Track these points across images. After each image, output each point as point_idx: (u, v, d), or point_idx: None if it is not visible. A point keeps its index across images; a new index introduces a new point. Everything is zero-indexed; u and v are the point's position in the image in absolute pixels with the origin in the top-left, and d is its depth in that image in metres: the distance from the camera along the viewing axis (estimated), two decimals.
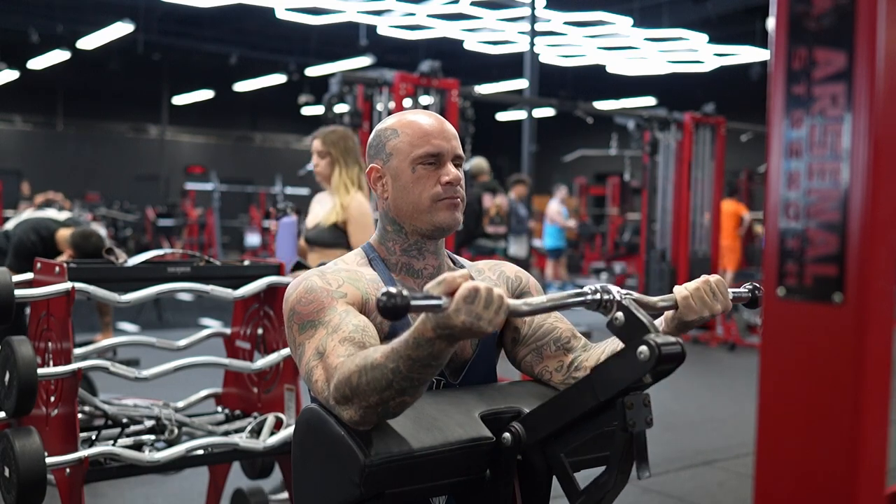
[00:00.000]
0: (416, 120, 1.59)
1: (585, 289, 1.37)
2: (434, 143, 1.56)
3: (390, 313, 1.15)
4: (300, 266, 3.12)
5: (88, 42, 15.64)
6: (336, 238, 3.67)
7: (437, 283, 1.20)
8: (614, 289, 1.36)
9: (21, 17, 14.98)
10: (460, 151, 1.60)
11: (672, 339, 1.28)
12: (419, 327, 1.25)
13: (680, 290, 1.50)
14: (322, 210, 3.85)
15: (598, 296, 1.35)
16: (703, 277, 1.53)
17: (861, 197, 0.84)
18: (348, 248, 3.62)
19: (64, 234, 4.44)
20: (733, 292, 1.55)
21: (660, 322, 1.55)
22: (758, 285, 1.59)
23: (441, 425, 1.41)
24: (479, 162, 8.46)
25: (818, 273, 0.86)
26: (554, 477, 1.49)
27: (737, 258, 11.48)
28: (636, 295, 1.38)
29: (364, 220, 3.74)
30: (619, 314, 1.32)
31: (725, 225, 10.60)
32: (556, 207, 11.17)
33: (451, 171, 1.56)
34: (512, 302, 1.25)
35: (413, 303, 1.16)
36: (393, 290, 1.15)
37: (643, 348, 1.26)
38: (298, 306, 1.48)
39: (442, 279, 1.21)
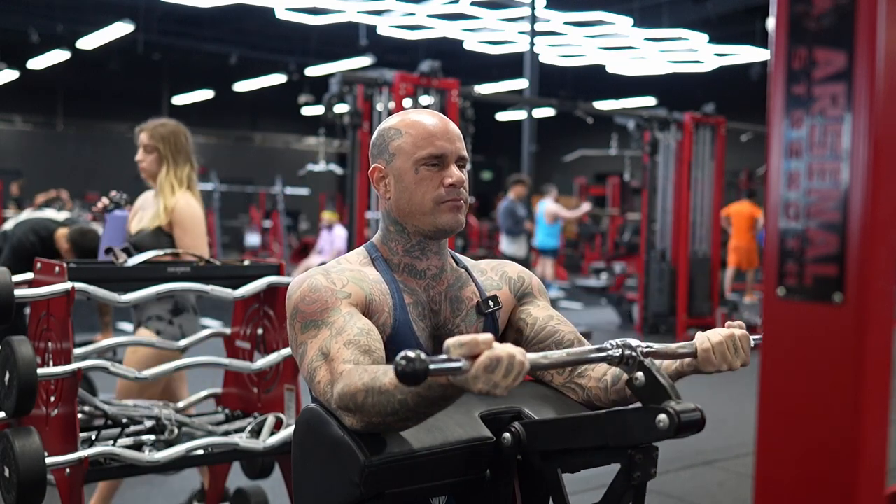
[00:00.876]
0: (420, 120, 1.58)
1: (606, 344, 1.35)
2: (438, 144, 1.55)
3: (409, 379, 1.12)
4: (111, 251, 2.92)
5: (88, 42, 15.64)
6: (159, 243, 3.24)
7: (460, 345, 1.16)
8: (635, 342, 1.35)
9: (21, 17, 14.98)
10: (464, 153, 1.59)
11: (691, 406, 1.27)
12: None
13: (702, 342, 1.47)
14: (146, 213, 3.47)
15: (619, 351, 1.33)
16: (728, 331, 1.49)
17: (861, 197, 0.84)
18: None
19: (63, 233, 4.45)
20: (754, 340, 1.51)
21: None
22: None
23: (441, 425, 1.41)
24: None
25: (818, 273, 0.86)
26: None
27: (754, 258, 11.59)
28: (657, 346, 1.37)
29: (192, 223, 3.36)
30: (640, 375, 1.30)
31: (741, 226, 10.63)
32: (554, 207, 11.17)
33: (455, 173, 1.55)
34: (531, 357, 1.23)
35: (432, 367, 1.13)
36: (411, 354, 1.12)
37: (663, 417, 1.26)
38: (302, 305, 1.47)
39: (466, 341, 1.16)
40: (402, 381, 1.13)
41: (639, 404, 1.31)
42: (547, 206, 11.15)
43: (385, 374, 1.29)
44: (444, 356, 1.16)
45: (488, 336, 1.19)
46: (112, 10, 14.31)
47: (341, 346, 1.39)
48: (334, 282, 1.50)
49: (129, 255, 2.89)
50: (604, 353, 1.33)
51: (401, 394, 1.26)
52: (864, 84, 0.83)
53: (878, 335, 0.85)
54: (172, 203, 3.38)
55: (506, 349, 1.17)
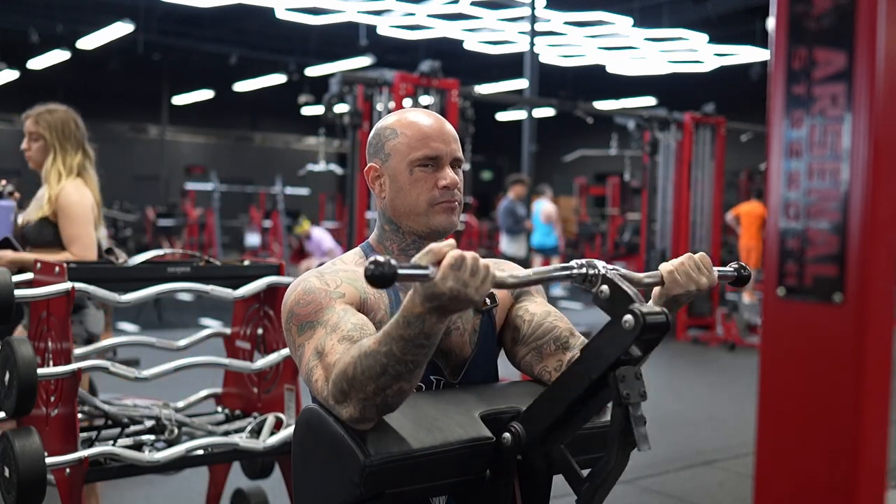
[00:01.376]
0: (416, 121, 1.58)
1: (571, 263, 1.38)
2: (433, 145, 1.55)
3: (378, 281, 1.17)
4: (7, 244, 2.85)
5: (88, 42, 15.64)
6: (46, 235, 3.11)
7: (425, 254, 1.22)
8: (600, 263, 1.37)
9: (21, 17, 14.98)
10: (460, 154, 1.59)
11: (657, 308, 1.29)
12: (408, 305, 1.26)
13: (665, 266, 1.51)
14: (34, 204, 3.28)
15: (583, 270, 1.36)
16: (688, 254, 1.54)
17: (861, 197, 0.84)
18: (62, 245, 3.15)
19: None
20: (719, 270, 1.56)
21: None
22: (744, 265, 1.60)
23: (441, 425, 1.41)
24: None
25: (818, 273, 0.86)
26: (554, 477, 1.49)
27: (759, 257, 11.62)
28: (622, 270, 1.39)
29: (76, 210, 3.18)
30: (605, 287, 1.33)
31: (751, 226, 10.66)
32: (551, 207, 11.17)
33: (449, 175, 1.55)
34: (498, 273, 1.27)
35: (400, 272, 1.18)
36: (381, 258, 1.17)
37: (628, 317, 1.27)
38: (297, 308, 1.48)
39: (428, 249, 1.22)
40: (371, 283, 1.17)
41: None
42: (543, 206, 11.14)
43: (369, 339, 1.32)
44: (410, 263, 1.21)
45: (450, 241, 1.24)
46: (112, 10, 14.31)
47: (335, 342, 1.39)
48: (328, 283, 1.50)
49: (13, 247, 2.84)
50: (569, 272, 1.36)
51: (385, 346, 1.27)
52: (864, 84, 0.83)
53: (878, 335, 0.85)
54: (57, 191, 3.21)
55: (471, 253, 1.22)
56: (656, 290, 1.52)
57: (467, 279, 1.21)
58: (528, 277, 1.34)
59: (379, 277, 1.17)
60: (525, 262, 9.30)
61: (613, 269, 1.36)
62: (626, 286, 1.31)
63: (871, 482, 0.86)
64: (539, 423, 1.40)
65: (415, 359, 1.29)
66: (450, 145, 1.57)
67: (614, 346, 1.29)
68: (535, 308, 1.66)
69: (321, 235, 10.50)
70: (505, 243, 9.61)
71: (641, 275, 1.45)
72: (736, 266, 1.60)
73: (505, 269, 1.74)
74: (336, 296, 1.48)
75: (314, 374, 1.40)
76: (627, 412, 1.30)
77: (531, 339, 1.63)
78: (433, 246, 1.22)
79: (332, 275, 1.53)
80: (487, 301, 1.64)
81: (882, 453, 0.87)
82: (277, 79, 18.88)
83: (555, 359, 1.61)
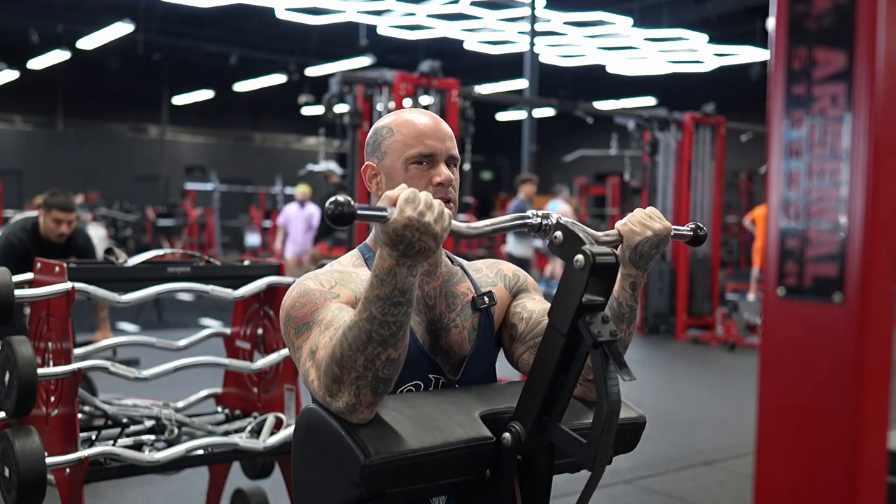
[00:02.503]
0: (411, 119, 1.59)
1: (528, 212, 1.42)
2: (427, 143, 1.56)
3: (338, 220, 1.21)
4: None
5: (88, 42, 15.64)
6: None
7: (380, 200, 1.27)
8: (555, 214, 1.41)
9: (21, 17, 14.99)
10: (455, 152, 1.60)
11: (606, 249, 1.33)
12: (378, 262, 1.29)
13: (618, 223, 1.56)
14: None
15: (538, 220, 1.40)
16: (637, 209, 1.58)
17: (861, 197, 0.84)
18: None
19: (38, 209, 4.52)
20: (675, 228, 1.59)
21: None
22: (700, 224, 1.64)
23: (441, 425, 1.41)
24: (330, 166, 10.22)
25: (818, 273, 0.86)
26: (554, 477, 1.49)
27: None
28: (580, 225, 1.42)
29: None
30: (558, 233, 1.38)
31: (762, 227, 10.66)
32: (566, 208, 11.14)
33: (443, 173, 1.56)
34: (456, 225, 1.33)
35: (360, 211, 1.23)
36: (340, 198, 1.22)
37: (578, 257, 1.32)
38: (293, 310, 1.48)
39: (384, 196, 1.28)
40: (332, 221, 1.22)
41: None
42: (559, 206, 11.12)
43: (348, 314, 1.36)
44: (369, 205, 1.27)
45: (402, 185, 1.30)
46: (112, 10, 14.32)
47: (327, 339, 1.39)
48: (322, 283, 1.51)
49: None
50: (524, 220, 1.40)
51: (364, 311, 1.30)
52: (864, 84, 0.83)
53: (878, 335, 0.85)
54: None
55: (424, 192, 1.28)
56: (619, 248, 1.55)
57: (423, 209, 1.25)
58: (485, 227, 1.39)
59: (339, 216, 1.21)
60: (527, 264, 9.30)
61: (569, 220, 1.41)
62: (578, 230, 1.37)
63: (871, 482, 0.86)
64: (531, 406, 1.40)
65: (395, 319, 1.30)
66: (445, 143, 1.58)
67: (573, 291, 1.33)
68: (533, 306, 1.66)
69: (316, 213, 10.01)
70: (512, 244, 9.57)
71: (600, 233, 1.49)
72: (692, 226, 1.64)
73: (504, 270, 1.75)
74: (331, 296, 1.49)
75: (310, 374, 1.40)
76: (605, 350, 1.31)
77: (529, 336, 1.63)
78: (388, 192, 1.28)
79: (328, 276, 1.54)
80: (486, 299, 1.64)
81: (882, 453, 0.87)
82: (277, 79, 18.88)
83: None
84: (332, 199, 1.22)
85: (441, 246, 1.32)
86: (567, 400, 1.40)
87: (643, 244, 1.52)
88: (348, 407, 1.33)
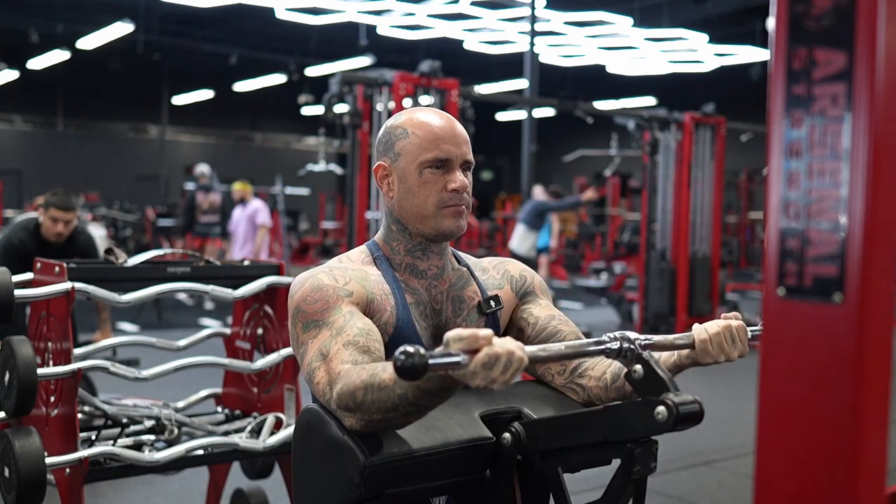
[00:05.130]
0: (427, 121, 1.57)
1: (605, 337, 1.35)
2: (444, 148, 1.54)
3: (408, 374, 1.13)
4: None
5: (88, 42, 15.63)
6: None
7: (459, 339, 1.17)
8: (633, 335, 1.34)
9: (21, 17, 14.98)
10: (470, 157, 1.58)
11: (690, 398, 1.27)
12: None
13: (699, 333, 1.47)
14: None
15: (617, 344, 1.33)
16: (725, 322, 1.50)
17: (861, 197, 0.83)
18: None
19: (39, 209, 4.52)
20: (752, 331, 1.53)
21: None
22: None
23: (441, 425, 1.41)
24: (201, 168, 10.44)
25: (818, 273, 0.86)
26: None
27: None
28: (655, 338, 1.37)
29: None
30: (639, 367, 1.31)
31: None
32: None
33: (458, 179, 1.54)
34: (530, 350, 1.23)
35: (431, 361, 1.13)
36: (410, 349, 1.13)
37: (661, 409, 1.25)
38: (304, 304, 1.47)
39: (465, 336, 1.17)
40: (401, 375, 1.13)
41: (639, 399, 1.30)
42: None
43: (384, 371, 1.29)
44: (442, 349, 1.16)
45: (488, 331, 1.19)
46: (112, 10, 14.31)
47: (340, 346, 1.39)
48: (336, 279, 1.50)
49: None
50: (602, 346, 1.33)
51: (400, 388, 1.26)
52: (864, 84, 0.83)
53: (878, 335, 0.85)
54: None
55: (505, 345, 1.17)
56: (682, 353, 1.50)
57: (496, 377, 1.17)
58: (559, 352, 1.31)
59: (409, 369, 1.12)
60: (532, 265, 9.31)
61: (646, 340, 1.35)
62: (660, 370, 1.29)
63: (871, 482, 0.86)
64: (541, 443, 1.41)
65: (428, 405, 1.29)
66: (461, 148, 1.56)
67: (639, 427, 1.29)
68: (540, 311, 1.66)
69: (261, 207, 9.77)
70: (519, 239, 9.54)
71: (672, 338, 1.43)
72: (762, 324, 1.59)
73: (510, 271, 1.73)
74: (344, 294, 1.48)
75: (316, 376, 1.40)
76: (639, 486, 1.33)
77: (535, 341, 1.62)
78: (470, 334, 1.17)
79: (342, 271, 1.53)
80: (492, 303, 1.63)
81: (882, 453, 0.87)
82: (277, 79, 18.87)
83: (558, 363, 1.60)
84: (403, 349, 1.13)
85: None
86: (578, 460, 1.41)
87: (710, 364, 1.48)
88: (352, 428, 1.36)
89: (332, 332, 1.42)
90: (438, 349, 1.16)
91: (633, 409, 1.29)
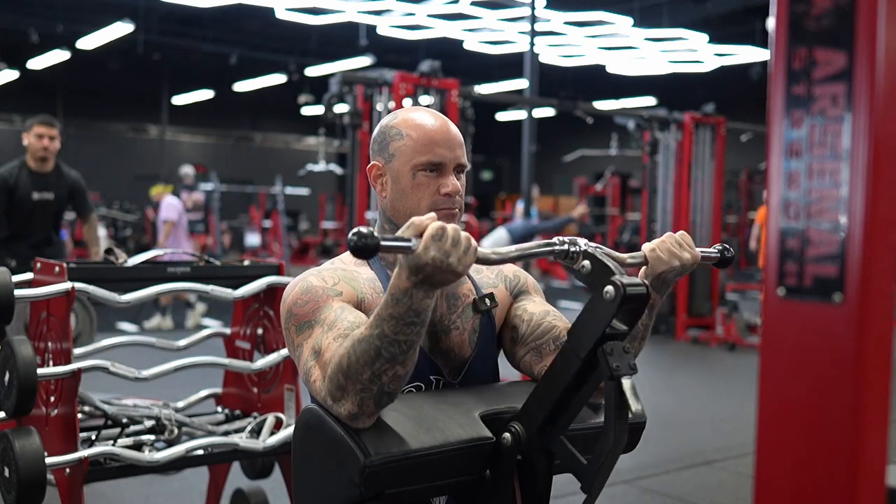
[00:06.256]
0: (422, 123, 1.57)
1: (554, 239, 1.40)
2: (437, 151, 1.55)
3: (361, 252, 1.21)
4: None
5: (88, 42, 15.63)
6: None
7: (407, 227, 1.25)
8: (582, 241, 1.39)
9: (21, 17, 14.98)
10: (464, 160, 1.59)
11: (637, 280, 1.31)
12: (395, 281, 1.28)
13: (647, 245, 1.54)
14: None
15: (565, 246, 1.38)
16: (668, 233, 1.56)
17: (861, 197, 0.84)
18: None
19: (25, 136, 5.07)
20: (702, 251, 1.57)
21: None
22: (727, 245, 1.62)
23: (441, 425, 1.41)
24: (185, 168, 10.91)
25: (818, 273, 0.86)
26: (554, 477, 1.49)
27: None
28: (605, 249, 1.41)
29: None
30: (586, 262, 1.36)
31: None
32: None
33: (451, 183, 1.55)
34: (482, 251, 1.30)
35: (383, 243, 1.21)
36: (364, 230, 1.20)
37: (608, 288, 1.29)
38: (295, 308, 1.48)
39: (410, 223, 1.25)
40: (355, 254, 1.20)
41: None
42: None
43: (360, 327, 1.34)
44: (393, 236, 1.24)
45: (431, 213, 1.28)
46: (112, 10, 14.31)
47: (331, 340, 1.39)
48: (325, 280, 1.51)
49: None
50: (551, 248, 1.38)
51: (376, 328, 1.28)
52: (864, 84, 0.83)
53: (878, 335, 0.85)
54: None
55: (452, 225, 1.25)
56: (642, 271, 1.54)
57: (449, 248, 1.23)
58: (510, 254, 1.37)
59: (362, 248, 1.20)
60: (527, 265, 9.33)
61: (596, 247, 1.39)
62: (606, 260, 1.35)
63: (871, 482, 0.86)
64: (536, 415, 1.40)
65: (407, 338, 1.29)
66: (454, 151, 1.57)
67: (598, 320, 1.31)
68: (534, 308, 1.66)
69: (167, 203, 9.63)
70: (498, 246, 9.59)
71: (625, 255, 1.47)
72: (720, 247, 1.61)
73: (504, 271, 1.74)
74: (333, 293, 1.49)
75: (312, 374, 1.40)
76: (620, 385, 1.31)
77: (530, 338, 1.62)
78: (415, 219, 1.26)
79: (331, 272, 1.54)
80: (487, 301, 1.64)
81: (882, 453, 0.87)
82: (277, 79, 18.87)
83: (534, 350, 1.61)
84: (356, 230, 1.20)
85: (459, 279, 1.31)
86: (573, 417, 1.40)
87: (668, 272, 1.51)
88: (350, 414, 1.33)
89: (324, 328, 1.42)
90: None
91: (587, 307, 1.33)
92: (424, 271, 1.24)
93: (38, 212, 5.14)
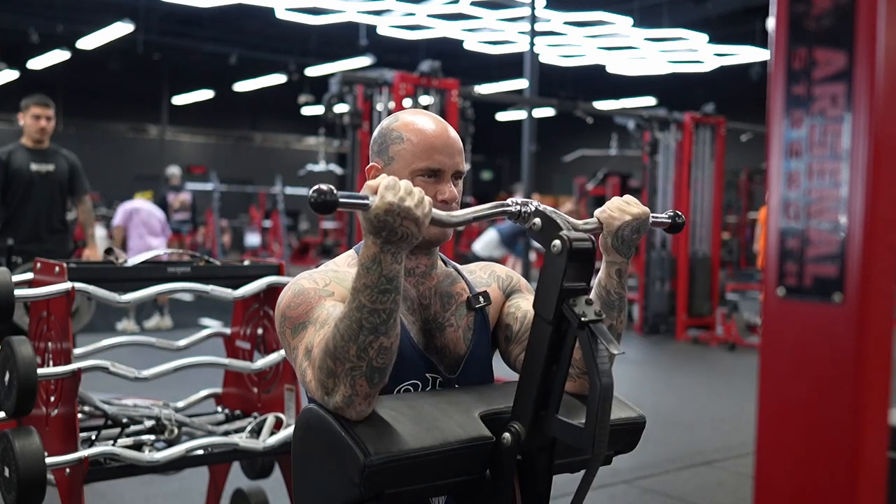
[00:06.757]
0: (423, 129, 1.58)
1: (508, 200, 1.45)
2: (437, 158, 1.56)
3: (320, 208, 1.25)
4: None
5: (88, 42, 15.64)
6: None
7: (363, 190, 1.31)
8: (534, 202, 1.44)
9: (21, 17, 14.99)
10: (462, 167, 1.61)
11: (583, 235, 1.36)
12: (362, 251, 1.33)
13: (597, 210, 1.58)
14: None
15: (517, 207, 1.43)
16: (614, 196, 1.61)
17: (861, 197, 0.84)
18: None
19: (21, 117, 5.14)
20: (654, 216, 1.62)
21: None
22: (679, 213, 1.68)
23: (441, 425, 1.41)
24: (171, 169, 11.16)
25: (818, 273, 0.86)
26: (554, 477, 1.49)
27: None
28: (559, 212, 1.44)
29: None
30: (537, 220, 1.41)
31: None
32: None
33: (448, 190, 1.57)
34: (436, 212, 1.36)
35: (342, 199, 1.26)
36: (324, 187, 1.25)
37: (555, 241, 1.35)
38: (288, 311, 1.49)
39: (365, 185, 1.32)
40: (315, 209, 1.25)
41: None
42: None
43: (340, 308, 1.38)
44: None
45: (383, 175, 1.34)
46: (112, 10, 14.31)
47: (322, 337, 1.39)
48: (317, 281, 1.52)
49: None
50: (504, 209, 1.44)
51: (353, 302, 1.31)
52: (864, 84, 0.83)
53: (878, 335, 0.85)
54: None
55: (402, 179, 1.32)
56: (601, 238, 1.57)
57: (403, 195, 1.28)
58: (467, 215, 1.42)
59: (322, 204, 1.24)
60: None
61: (547, 208, 1.43)
62: (556, 217, 1.40)
63: (871, 482, 0.86)
64: (526, 402, 1.40)
65: (384, 306, 1.31)
66: (453, 158, 1.59)
67: (553, 277, 1.35)
68: (527, 306, 1.66)
69: (123, 209, 9.24)
70: (489, 249, 9.60)
71: (579, 221, 1.50)
72: (671, 213, 1.67)
73: (497, 272, 1.75)
74: (325, 294, 1.49)
75: (307, 374, 1.40)
76: (591, 330, 1.32)
77: (524, 336, 1.63)
78: (369, 182, 1.32)
79: (322, 275, 1.55)
80: (481, 299, 1.65)
81: (882, 453, 0.87)
82: (277, 79, 18.88)
83: (518, 348, 1.62)
84: (316, 187, 1.25)
85: (423, 232, 1.33)
86: (561, 390, 1.40)
87: (623, 229, 1.55)
88: (346, 399, 1.33)
89: (316, 326, 1.43)
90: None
91: (541, 270, 1.37)
92: (386, 225, 1.28)
93: (38, 184, 5.12)
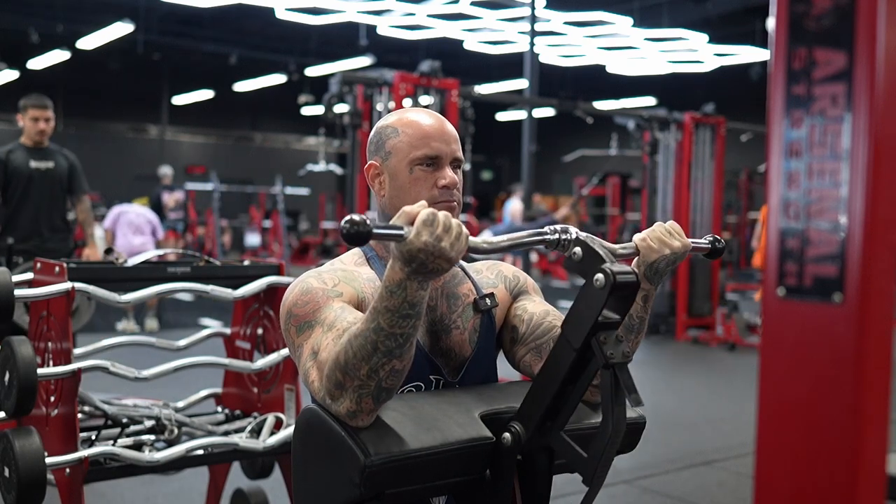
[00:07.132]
0: (417, 120, 1.58)
1: (546, 228, 1.41)
2: (433, 145, 1.55)
3: (353, 239, 1.21)
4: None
5: (88, 42, 15.64)
6: None
7: (398, 216, 1.25)
8: (573, 229, 1.40)
9: (21, 17, 14.99)
10: (460, 154, 1.59)
11: (627, 267, 1.31)
12: (389, 273, 1.27)
13: (637, 236, 1.54)
14: None
15: (556, 235, 1.39)
16: (658, 222, 1.56)
17: (861, 196, 0.83)
18: None
19: (20, 118, 5.08)
20: (694, 241, 1.58)
21: None
22: (718, 237, 1.62)
23: (441, 425, 1.40)
24: (164, 169, 11.25)
25: (818, 273, 0.86)
26: (554, 477, 1.49)
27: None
28: (598, 239, 1.41)
29: None
30: (577, 249, 1.36)
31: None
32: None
33: (448, 175, 1.55)
34: (473, 240, 1.31)
35: (376, 231, 1.21)
36: (356, 217, 1.21)
37: (598, 276, 1.30)
38: (295, 308, 1.47)
39: (402, 212, 1.25)
40: (347, 241, 1.21)
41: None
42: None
43: (356, 323, 1.34)
44: (385, 223, 1.26)
45: (422, 202, 1.28)
46: (112, 10, 14.31)
47: (330, 340, 1.39)
48: (325, 281, 1.50)
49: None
50: (542, 237, 1.39)
51: (372, 322, 1.28)
52: (864, 84, 0.83)
53: (878, 335, 0.85)
54: None
55: (443, 212, 1.26)
56: (634, 261, 1.54)
57: (440, 234, 1.24)
58: (502, 243, 1.37)
59: (355, 236, 1.20)
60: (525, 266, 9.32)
61: (587, 236, 1.39)
62: (597, 248, 1.35)
63: (871, 482, 0.86)
64: (535, 411, 1.39)
65: (403, 331, 1.29)
66: (450, 145, 1.57)
67: (590, 308, 1.31)
68: (534, 308, 1.66)
69: (110, 214, 9.18)
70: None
71: (616, 245, 1.47)
72: (711, 238, 1.61)
73: (504, 272, 1.74)
74: (334, 294, 1.48)
75: (311, 375, 1.40)
76: (615, 373, 1.30)
77: (530, 338, 1.62)
78: (406, 207, 1.26)
79: (330, 274, 1.54)
80: (487, 301, 1.64)
81: (882, 453, 0.87)
82: (277, 79, 18.88)
83: (534, 351, 1.61)
84: (348, 218, 1.20)
85: (454, 265, 1.30)
86: (571, 411, 1.40)
87: (659, 261, 1.51)
88: (349, 412, 1.33)
89: (324, 328, 1.42)
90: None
91: (578, 297, 1.33)
92: (417, 259, 1.24)
93: (38, 182, 5.12)
